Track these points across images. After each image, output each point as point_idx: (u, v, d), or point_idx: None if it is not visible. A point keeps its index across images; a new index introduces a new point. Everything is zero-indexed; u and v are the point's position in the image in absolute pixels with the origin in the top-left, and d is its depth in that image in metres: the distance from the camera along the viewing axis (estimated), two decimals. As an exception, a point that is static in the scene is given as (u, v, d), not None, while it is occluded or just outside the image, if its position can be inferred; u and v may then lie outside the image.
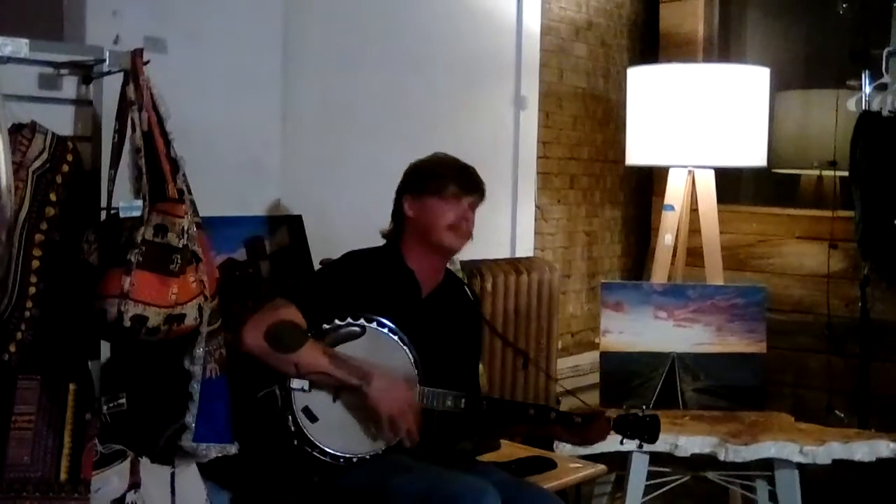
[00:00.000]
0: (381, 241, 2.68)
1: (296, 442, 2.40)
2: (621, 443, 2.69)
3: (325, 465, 2.41)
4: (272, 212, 2.98)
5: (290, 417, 2.40)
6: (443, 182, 2.58)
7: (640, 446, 2.72)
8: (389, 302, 2.53)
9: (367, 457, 2.44)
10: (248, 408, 2.41)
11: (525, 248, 4.11)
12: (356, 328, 2.47)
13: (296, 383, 2.40)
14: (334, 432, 2.42)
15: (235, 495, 2.56)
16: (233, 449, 2.34)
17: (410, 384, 2.48)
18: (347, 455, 2.42)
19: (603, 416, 2.66)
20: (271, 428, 2.42)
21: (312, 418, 2.41)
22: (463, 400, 2.53)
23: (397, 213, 2.65)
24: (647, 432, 2.66)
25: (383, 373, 2.42)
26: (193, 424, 2.25)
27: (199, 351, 2.24)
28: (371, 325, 2.48)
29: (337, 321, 2.46)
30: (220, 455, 2.31)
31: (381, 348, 2.48)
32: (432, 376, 2.53)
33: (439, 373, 2.54)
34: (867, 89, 3.73)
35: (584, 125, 4.55)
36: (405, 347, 2.51)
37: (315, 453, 2.40)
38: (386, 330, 2.50)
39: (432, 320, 2.61)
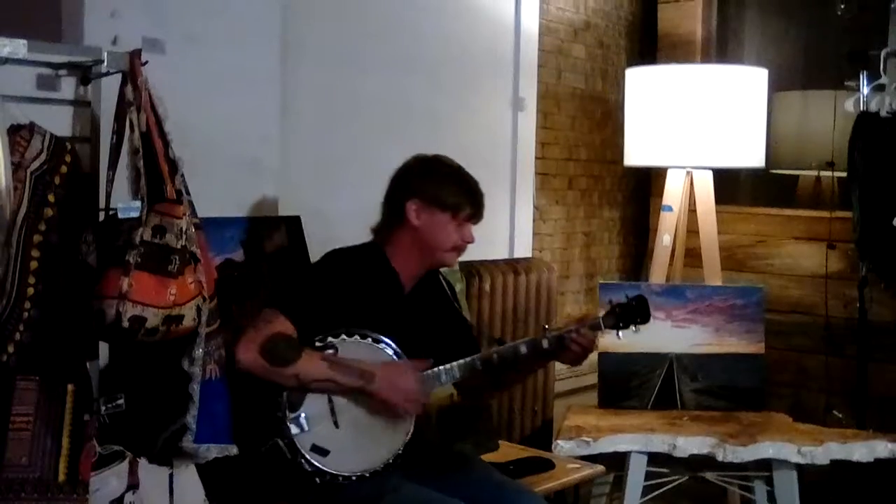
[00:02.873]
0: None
1: (318, 480, 2.39)
2: (618, 336, 2.62)
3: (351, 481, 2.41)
4: (270, 212, 2.97)
5: (302, 462, 2.38)
6: (461, 203, 2.55)
7: (636, 329, 2.64)
8: (373, 303, 2.51)
9: (391, 460, 2.43)
10: (254, 462, 2.39)
11: (523, 249, 4.11)
12: (330, 351, 2.44)
13: (294, 428, 2.37)
14: (350, 456, 2.41)
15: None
16: (233, 450, 2.33)
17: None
18: (373, 469, 2.41)
19: (589, 320, 2.61)
20: (288, 477, 2.40)
21: (324, 452, 2.39)
22: (456, 369, 2.52)
23: (396, 214, 2.57)
24: (639, 314, 2.62)
25: (384, 365, 2.43)
26: (194, 426, 2.25)
27: (199, 352, 2.23)
28: (338, 339, 2.44)
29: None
30: (219, 456, 2.31)
31: (361, 356, 2.45)
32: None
33: (436, 362, 2.53)
34: (865, 90, 3.74)
35: (582, 126, 4.55)
36: (381, 345, 2.48)
37: (341, 481, 2.39)
38: (356, 337, 2.46)
39: (417, 314, 2.60)
